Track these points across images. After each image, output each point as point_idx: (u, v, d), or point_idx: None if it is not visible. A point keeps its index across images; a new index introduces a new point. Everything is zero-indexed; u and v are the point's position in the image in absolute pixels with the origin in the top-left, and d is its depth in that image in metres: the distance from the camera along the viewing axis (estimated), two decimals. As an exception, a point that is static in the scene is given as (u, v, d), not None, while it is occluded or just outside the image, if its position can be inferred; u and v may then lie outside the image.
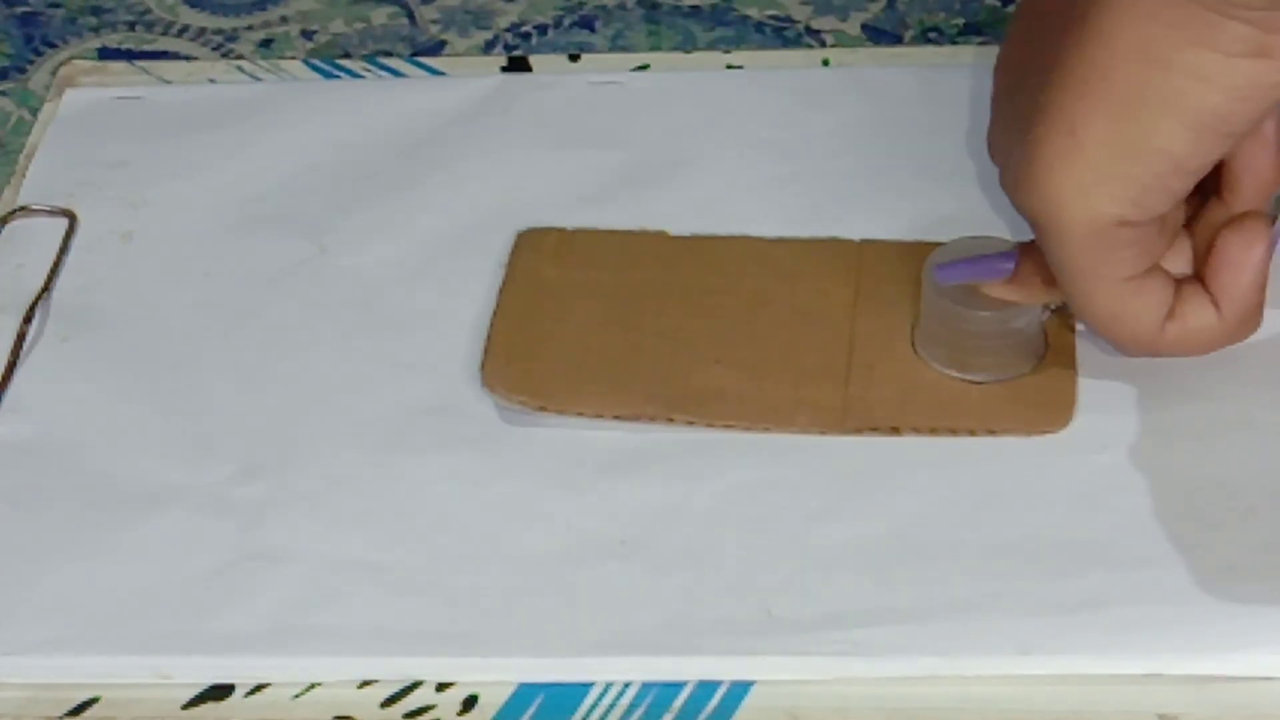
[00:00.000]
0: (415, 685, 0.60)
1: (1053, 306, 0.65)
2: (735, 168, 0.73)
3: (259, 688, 0.60)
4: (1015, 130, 0.60)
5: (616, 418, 0.65)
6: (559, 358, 0.66)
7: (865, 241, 0.69)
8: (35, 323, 0.69)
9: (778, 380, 0.65)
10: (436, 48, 0.80)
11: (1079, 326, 0.66)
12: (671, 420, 0.65)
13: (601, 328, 0.67)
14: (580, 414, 0.65)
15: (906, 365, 0.65)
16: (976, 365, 0.65)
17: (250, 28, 0.82)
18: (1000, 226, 0.68)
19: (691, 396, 0.65)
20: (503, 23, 0.81)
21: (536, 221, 0.71)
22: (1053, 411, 0.64)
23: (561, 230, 0.71)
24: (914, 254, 0.67)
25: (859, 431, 0.64)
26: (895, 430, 0.64)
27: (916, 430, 0.64)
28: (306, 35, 0.81)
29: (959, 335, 0.65)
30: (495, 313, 0.68)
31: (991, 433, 0.64)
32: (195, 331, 0.69)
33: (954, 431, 0.64)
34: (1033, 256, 0.63)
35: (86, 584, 0.62)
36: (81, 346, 0.69)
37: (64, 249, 0.72)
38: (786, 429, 0.64)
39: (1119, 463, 0.63)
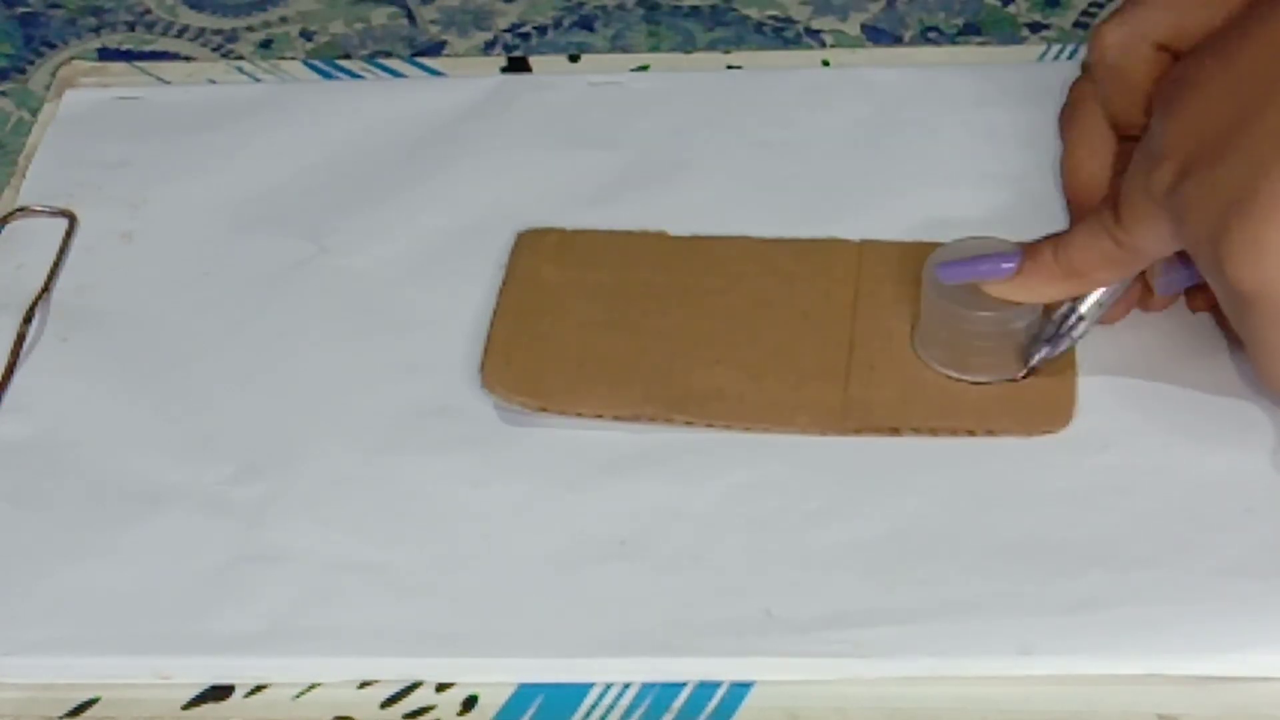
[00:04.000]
0: (415, 686, 0.60)
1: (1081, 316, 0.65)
2: (735, 168, 0.73)
3: (259, 688, 0.60)
4: (1225, 184, 0.57)
5: (616, 418, 0.65)
6: (559, 358, 0.66)
7: (865, 242, 0.69)
8: (35, 323, 0.69)
9: (777, 380, 0.65)
10: (436, 48, 0.80)
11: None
12: (671, 420, 0.65)
13: (601, 328, 0.67)
14: (580, 414, 0.65)
15: (906, 365, 0.65)
16: (976, 366, 0.65)
17: (250, 28, 0.82)
18: (1000, 226, 0.68)
19: (691, 396, 0.65)
20: (502, 23, 0.81)
21: (536, 221, 0.71)
22: (1052, 412, 0.64)
23: (561, 231, 0.71)
24: (914, 254, 0.67)
25: (859, 432, 0.64)
26: (895, 430, 0.64)
27: (916, 430, 0.64)
28: (306, 36, 0.81)
29: (959, 335, 0.65)
30: (495, 314, 0.68)
31: (991, 433, 0.64)
32: (195, 331, 0.69)
33: (954, 432, 0.64)
34: (1034, 257, 0.63)
35: (86, 584, 0.62)
36: (81, 347, 0.69)
37: (64, 249, 0.72)
38: (786, 429, 0.64)
39: (1118, 463, 0.63)
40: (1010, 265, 0.63)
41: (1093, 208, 0.63)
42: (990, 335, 0.64)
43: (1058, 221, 0.68)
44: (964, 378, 0.65)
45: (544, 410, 0.65)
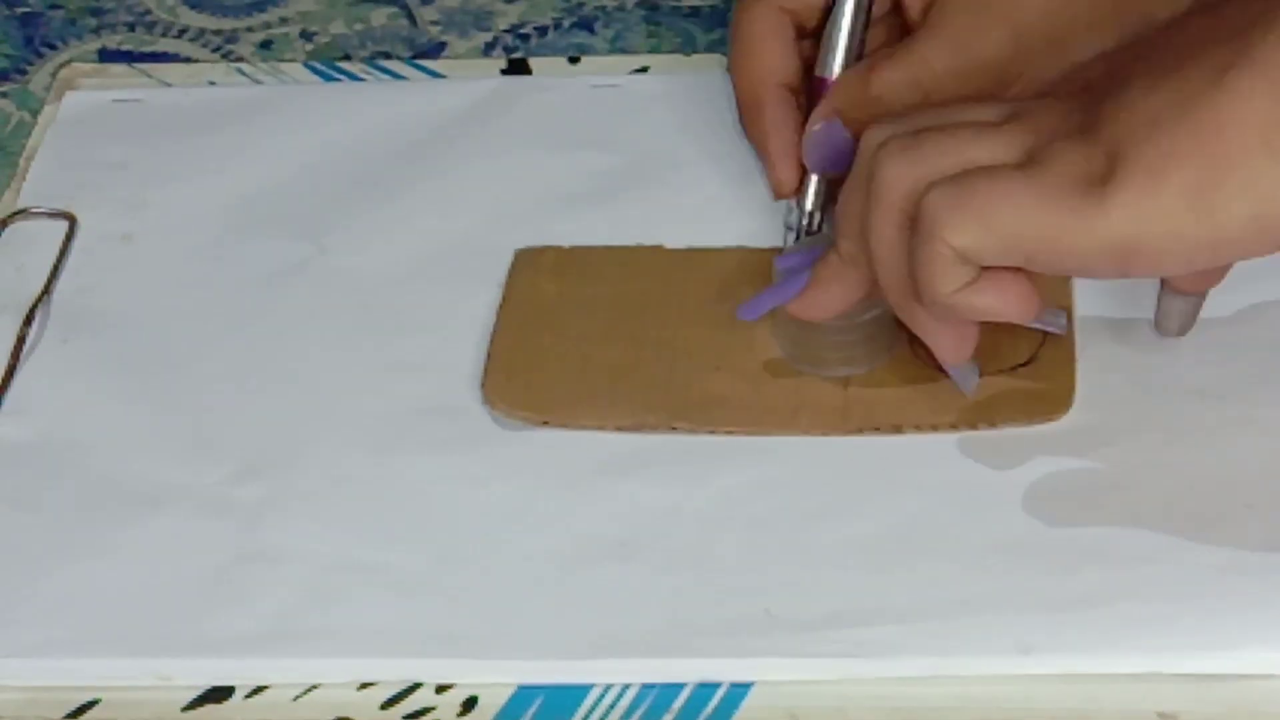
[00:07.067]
0: (415, 687, 0.59)
1: None
2: (735, 169, 0.73)
3: (259, 689, 0.60)
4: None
5: (619, 428, 0.65)
6: (560, 371, 0.66)
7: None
8: (35, 324, 0.69)
9: (777, 384, 0.65)
10: (436, 49, 0.80)
11: (1077, 314, 0.66)
12: (674, 429, 0.65)
13: (601, 340, 0.67)
14: (583, 427, 0.65)
15: (905, 364, 0.65)
16: (832, 361, 0.65)
17: (250, 29, 0.82)
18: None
19: (692, 404, 0.65)
20: (502, 24, 0.81)
21: (536, 223, 0.71)
22: (1052, 399, 0.64)
23: (559, 248, 0.71)
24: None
25: (860, 431, 0.64)
26: (897, 429, 0.64)
27: (918, 428, 0.64)
28: (306, 37, 0.81)
29: (808, 333, 0.65)
30: (495, 330, 0.68)
31: (992, 425, 0.64)
32: (195, 333, 0.69)
33: (954, 427, 0.64)
34: (827, 265, 0.63)
35: (86, 586, 0.62)
36: (81, 348, 0.69)
37: (64, 251, 0.72)
38: (788, 431, 0.64)
39: (1119, 460, 0.62)
40: (798, 285, 0.63)
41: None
42: (838, 331, 0.64)
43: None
44: (823, 374, 0.65)
45: (546, 424, 0.65)
